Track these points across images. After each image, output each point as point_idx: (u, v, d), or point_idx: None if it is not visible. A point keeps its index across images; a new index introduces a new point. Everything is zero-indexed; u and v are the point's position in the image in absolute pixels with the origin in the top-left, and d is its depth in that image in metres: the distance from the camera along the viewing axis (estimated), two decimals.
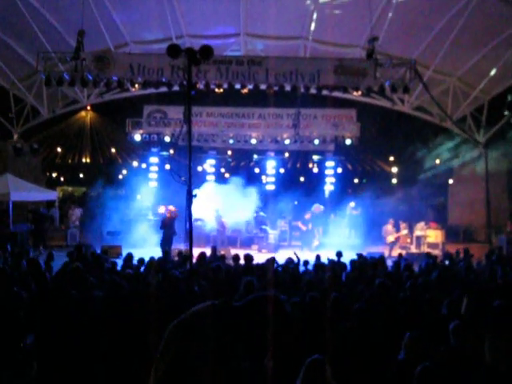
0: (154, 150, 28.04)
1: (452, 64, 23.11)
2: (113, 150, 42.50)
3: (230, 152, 30.52)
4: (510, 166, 28.32)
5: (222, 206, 23.87)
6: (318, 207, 25.77)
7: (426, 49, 21.74)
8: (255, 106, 26.06)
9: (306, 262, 14.27)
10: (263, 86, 19.99)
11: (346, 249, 19.32)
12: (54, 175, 43.52)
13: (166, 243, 20.45)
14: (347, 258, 15.04)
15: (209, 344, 2.82)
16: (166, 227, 20.74)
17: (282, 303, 3.04)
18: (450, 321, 6.47)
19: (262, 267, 12.76)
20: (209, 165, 28.90)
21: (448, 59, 22.34)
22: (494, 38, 20.87)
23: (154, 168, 28.20)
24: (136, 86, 20.18)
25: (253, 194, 24.56)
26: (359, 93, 20.67)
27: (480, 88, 24.17)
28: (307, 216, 25.35)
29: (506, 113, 24.17)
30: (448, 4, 19.56)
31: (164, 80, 19.58)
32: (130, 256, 13.99)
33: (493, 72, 22.75)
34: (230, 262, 14.24)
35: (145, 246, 21.39)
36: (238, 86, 19.95)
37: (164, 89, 20.75)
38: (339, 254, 14.82)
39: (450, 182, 30.51)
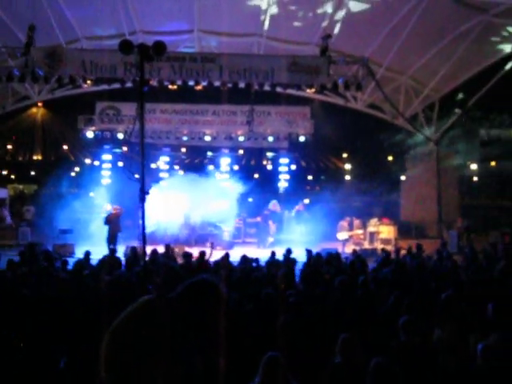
0: (107, 147, 27.71)
1: (404, 62, 23.42)
2: (65, 147, 41.95)
3: (183, 149, 30.42)
4: (460, 162, 28.88)
5: (177, 203, 23.72)
6: (274, 204, 25.84)
7: (379, 47, 21.96)
8: (209, 102, 25.96)
9: (257, 260, 14.29)
10: (217, 83, 19.95)
11: (300, 245, 19.45)
12: (5, 173, 42.78)
13: (110, 240, 20.24)
14: (302, 254, 15.15)
15: (152, 341, 2.79)
16: (111, 224, 20.52)
17: (216, 285, 3.03)
18: (401, 315, 6.55)
19: (216, 264, 12.76)
20: (162, 162, 28.75)
21: (400, 57, 22.63)
22: (444, 37, 21.21)
23: (107, 165, 27.88)
24: (88, 82, 19.89)
25: (207, 190, 24.48)
26: (313, 90, 20.80)
27: (431, 86, 24.57)
28: (266, 212, 25.44)
29: (457, 110, 24.63)
30: (400, 3, 19.79)
31: (117, 76, 19.36)
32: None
33: (443, 70, 23.13)
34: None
35: (98, 244, 21.14)
36: (191, 83, 19.86)
37: (117, 85, 20.55)
38: (288, 251, 14.90)
39: (402, 178, 30.96)
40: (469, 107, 25.59)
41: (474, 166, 52.41)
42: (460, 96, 24.00)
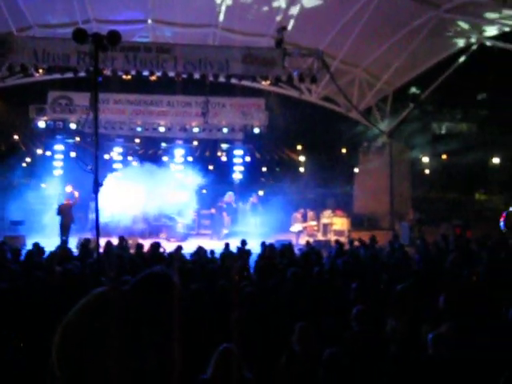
0: (59, 137, 27.25)
1: (358, 55, 23.61)
2: (15, 137, 41.12)
3: (137, 140, 30.13)
4: (412, 155, 29.30)
5: (130, 194, 23.51)
6: (230, 196, 25.84)
7: (333, 40, 22.09)
8: (164, 93, 25.77)
9: (212, 252, 14.30)
10: (172, 74, 19.82)
11: (254, 237, 19.54)
12: None
13: (63, 232, 19.99)
14: (256, 246, 15.21)
15: (106, 335, 2.76)
16: (63, 214, 20.26)
17: (170, 277, 3.02)
18: (356, 306, 6.62)
19: (169, 255, 12.73)
20: (116, 153, 28.44)
21: (354, 51, 22.80)
22: (397, 32, 21.46)
23: (60, 156, 27.45)
24: (40, 71, 19.52)
25: (161, 182, 24.32)
26: (268, 82, 20.84)
27: (384, 79, 24.83)
28: (221, 203, 25.42)
29: (410, 104, 24.96)
30: None
31: (70, 66, 19.05)
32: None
33: (397, 64, 23.40)
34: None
35: (51, 235, 20.85)
36: (146, 73, 19.69)
37: (70, 74, 20.22)
38: (243, 243, 14.96)
39: (356, 170, 31.24)
40: (421, 101, 25.96)
41: (425, 159, 53.24)
42: (413, 90, 24.31)
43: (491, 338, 6.07)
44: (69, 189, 22.27)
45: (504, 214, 21.83)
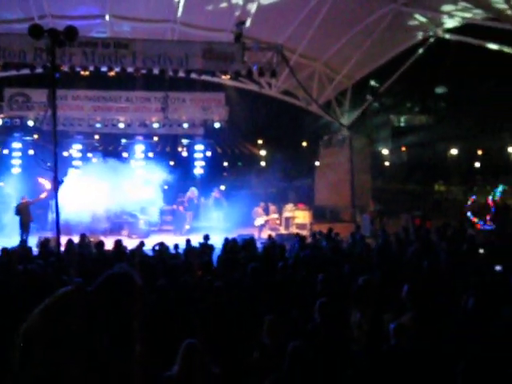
0: (17, 134, 26.80)
1: (317, 49, 23.72)
2: None
3: (97, 136, 29.83)
4: (372, 147, 29.56)
5: (91, 191, 23.25)
6: (192, 191, 25.73)
7: (293, 34, 22.15)
8: (123, 88, 25.55)
9: (176, 246, 14.26)
10: (130, 69, 19.66)
11: (216, 232, 19.53)
12: None
13: (22, 231, 19.73)
14: (219, 241, 15.20)
15: (70, 336, 2.74)
16: (22, 214, 19.99)
17: (131, 276, 3.02)
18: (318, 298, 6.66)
19: (132, 252, 12.65)
20: (75, 150, 28.09)
21: (313, 44, 22.90)
22: (356, 25, 21.62)
23: (18, 154, 27.01)
24: None
25: (122, 179, 24.11)
26: (228, 77, 20.83)
27: (344, 73, 25.01)
28: (183, 199, 25.30)
29: (368, 97, 25.18)
30: None
31: (26, 62, 18.76)
32: None
33: (356, 57, 23.57)
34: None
35: (11, 234, 20.51)
36: (104, 69, 19.50)
37: (26, 71, 19.91)
38: (206, 237, 14.93)
39: (317, 164, 31.42)
40: (380, 94, 26.21)
41: (385, 152, 53.81)
42: (372, 83, 24.53)
43: (451, 328, 6.18)
44: (43, 181, 21.82)
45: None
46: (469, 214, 22.01)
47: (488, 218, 21.84)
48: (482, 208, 22.23)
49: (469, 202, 22.95)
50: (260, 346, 5.82)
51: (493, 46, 20.19)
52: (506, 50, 19.83)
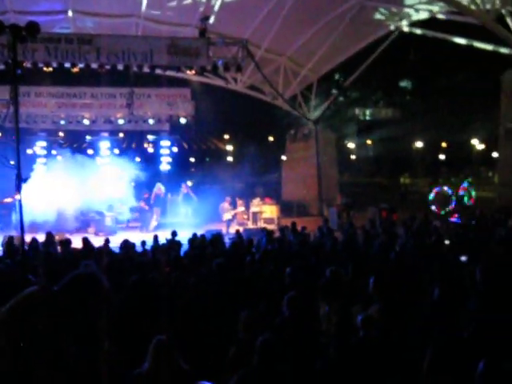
0: None
1: (282, 44, 23.75)
2: None
3: (61, 133, 29.52)
4: (338, 141, 29.71)
5: (56, 189, 22.98)
6: (159, 188, 25.57)
7: (258, 29, 22.15)
8: (87, 85, 25.33)
9: (144, 243, 14.16)
10: (94, 65, 19.48)
11: (184, 228, 19.45)
12: None
13: None
14: (187, 237, 15.13)
15: (36, 335, 2.71)
16: None
17: (97, 277, 3.00)
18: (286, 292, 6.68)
19: (98, 250, 12.54)
20: (39, 147, 27.77)
21: (278, 39, 22.92)
22: (320, 19, 21.69)
23: None
24: None
25: (87, 176, 23.87)
26: (193, 72, 20.76)
27: (309, 67, 25.09)
28: (149, 195, 25.14)
29: (334, 91, 25.30)
30: None
31: None
32: None
33: (321, 52, 23.66)
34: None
35: None
36: (67, 65, 19.28)
37: None
38: (174, 234, 14.87)
39: (283, 158, 31.51)
40: (346, 88, 26.38)
41: (351, 145, 54.18)
42: (337, 77, 24.67)
43: (417, 318, 6.25)
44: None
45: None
46: (432, 206, 22.21)
47: (450, 209, 22.06)
48: (445, 200, 22.45)
49: (431, 195, 23.14)
50: (236, 342, 5.82)
51: (456, 40, 20.46)
52: (469, 43, 20.11)
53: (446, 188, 23.60)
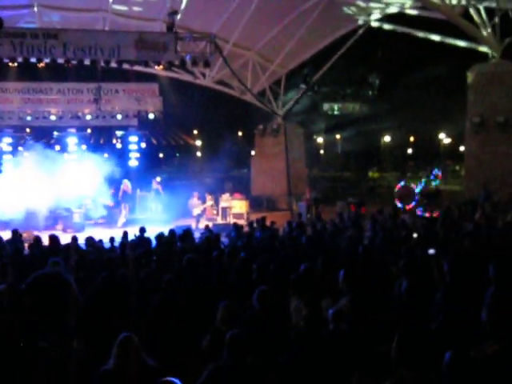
0: None
1: (250, 38, 23.78)
2: None
3: (28, 129, 29.17)
4: (307, 136, 29.82)
5: (23, 186, 22.71)
6: (126, 184, 25.40)
7: (226, 23, 22.14)
8: (54, 80, 25.06)
9: (112, 239, 14.06)
10: (61, 60, 19.27)
11: (154, 224, 19.37)
12: None
13: None
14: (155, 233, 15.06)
15: (3, 335, 2.69)
16: None
17: (65, 279, 2.98)
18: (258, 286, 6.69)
19: (66, 247, 12.42)
20: (5, 143, 27.40)
21: (247, 34, 22.95)
22: (288, 14, 21.77)
23: None
24: None
25: (55, 172, 23.62)
26: (161, 67, 20.66)
27: (277, 62, 25.15)
28: (117, 191, 24.98)
29: (302, 85, 25.36)
30: None
31: None
32: None
33: (289, 46, 23.72)
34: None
35: None
36: (33, 60, 19.05)
37: None
38: (142, 230, 14.76)
39: (252, 153, 31.53)
40: (313, 82, 26.44)
41: (320, 140, 54.38)
42: (305, 71, 24.72)
43: (386, 311, 6.31)
44: None
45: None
46: (397, 201, 22.35)
47: (412, 205, 22.16)
48: (408, 194, 22.60)
49: (396, 189, 23.27)
50: (214, 333, 5.81)
51: (422, 35, 20.65)
52: (435, 38, 20.31)
53: (409, 183, 23.80)
